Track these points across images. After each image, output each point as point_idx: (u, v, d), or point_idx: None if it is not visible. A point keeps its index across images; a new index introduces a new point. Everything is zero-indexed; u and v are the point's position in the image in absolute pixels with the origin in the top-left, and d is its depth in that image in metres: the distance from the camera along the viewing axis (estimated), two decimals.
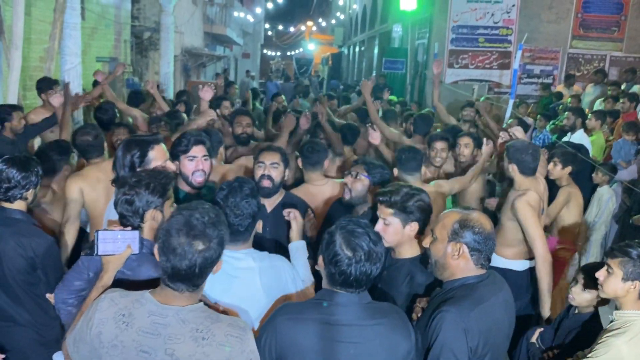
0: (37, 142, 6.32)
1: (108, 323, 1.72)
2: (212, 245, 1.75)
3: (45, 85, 5.68)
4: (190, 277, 1.74)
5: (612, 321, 2.40)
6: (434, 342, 1.93)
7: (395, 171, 3.55)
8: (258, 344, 1.90)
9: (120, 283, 2.09)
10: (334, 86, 18.50)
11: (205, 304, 1.84)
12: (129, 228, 2.11)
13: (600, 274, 2.45)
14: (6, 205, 2.69)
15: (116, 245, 2.06)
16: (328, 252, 1.91)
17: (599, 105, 8.59)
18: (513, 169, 3.56)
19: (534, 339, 3.00)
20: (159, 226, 2.24)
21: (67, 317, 2.45)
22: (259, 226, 2.36)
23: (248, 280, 2.19)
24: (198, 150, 2.94)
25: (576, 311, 2.90)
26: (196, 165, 2.93)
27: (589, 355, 2.31)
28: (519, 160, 3.52)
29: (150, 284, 1.92)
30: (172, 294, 1.76)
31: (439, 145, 4.35)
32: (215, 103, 6.64)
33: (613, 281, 2.38)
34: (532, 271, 3.69)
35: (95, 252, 2.05)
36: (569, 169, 4.31)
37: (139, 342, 1.69)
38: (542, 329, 3.03)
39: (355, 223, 1.96)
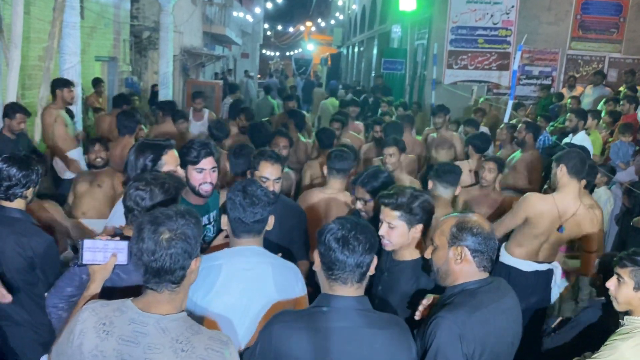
0: (36, 136, 6.33)
1: (89, 333, 1.68)
2: (179, 233, 1.71)
3: (62, 83, 5.86)
4: (164, 271, 1.69)
5: (621, 325, 2.40)
6: (429, 347, 1.92)
7: (430, 183, 3.55)
8: (253, 351, 1.89)
9: (112, 290, 2.07)
10: (333, 87, 18.49)
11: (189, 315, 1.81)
12: (117, 238, 2.08)
13: (611, 284, 2.44)
14: (5, 204, 2.68)
15: (102, 255, 2.02)
16: (321, 235, 1.91)
17: (601, 106, 8.61)
18: (562, 170, 3.51)
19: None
20: None
21: (57, 321, 2.44)
22: (271, 221, 2.36)
23: (261, 273, 2.20)
24: (207, 163, 2.90)
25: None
26: (204, 177, 2.89)
27: (594, 356, 2.32)
28: (568, 159, 3.50)
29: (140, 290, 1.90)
30: (154, 298, 1.72)
31: (389, 150, 4.40)
32: (232, 114, 6.65)
33: (625, 291, 2.39)
34: (539, 274, 3.71)
35: (80, 261, 2.01)
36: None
37: (119, 351, 1.65)
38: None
39: (352, 217, 1.99)
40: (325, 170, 3.66)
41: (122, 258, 2.04)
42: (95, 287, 2.03)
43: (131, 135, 5.06)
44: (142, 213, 2.14)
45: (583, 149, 5.28)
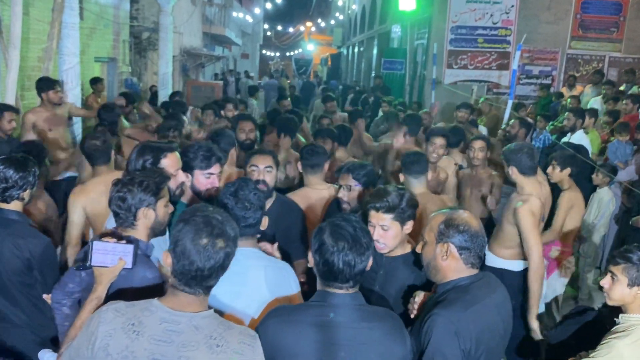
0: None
1: (116, 334, 1.66)
2: (231, 242, 1.77)
3: (46, 85, 5.69)
4: (209, 277, 1.73)
5: (617, 324, 2.41)
6: (427, 346, 1.93)
7: (401, 176, 3.54)
8: None
9: (116, 290, 2.08)
10: (333, 87, 18.52)
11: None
12: (124, 241, 2.09)
13: (605, 282, 2.45)
14: (2, 205, 2.68)
15: (108, 257, 2.03)
16: (315, 245, 1.92)
17: (591, 104, 8.61)
18: (513, 171, 3.56)
19: None
20: (153, 225, 2.24)
21: (61, 318, 2.44)
22: (265, 222, 2.36)
23: (253, 276, 2.20)
24: (216, 169, 2.93)
25: None
26: (212, 182, 2.92)
27: (591, 355, 2.33)
28: (516, 161, 3.53)
29: (143, 290, 1.90)
30: (186, 299, 1.73)
31: (438, 141, 4.35)
32: (219, 105, 6.69)
33: (619, 288, 2.40)
34: (527, 271, 3.71)
35: (89, 262, 2.02)
36: (568, 170, 4.21)
37: (151, 351, 1.65)
38: None
39: (345, 219, 1.97)
40: (299, 168, 3.67)
41: (128, 261, 2.05)
42: (102, 290, 2.04)
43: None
44: (128, 214, 2.17)
45: (581, 147, 5.30)
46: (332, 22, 34.48)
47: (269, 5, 36.22)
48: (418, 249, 2.22)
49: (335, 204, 3.29)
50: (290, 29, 42.75)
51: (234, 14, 24.64)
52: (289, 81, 22.31)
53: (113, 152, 3.61)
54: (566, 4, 11.62)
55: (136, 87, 11.63)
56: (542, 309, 3.88)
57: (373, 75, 16.71)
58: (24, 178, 2.68)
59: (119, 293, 2.05)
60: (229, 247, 1.75)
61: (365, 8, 20.96)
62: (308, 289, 2.50)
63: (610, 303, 2.46)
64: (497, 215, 4.38)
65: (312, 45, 37.00)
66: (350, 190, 3.05)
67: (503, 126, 6.59)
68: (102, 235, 2.19)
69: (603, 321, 2.60)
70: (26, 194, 2.72)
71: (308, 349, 1.83)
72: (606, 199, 5.20)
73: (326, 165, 3.66)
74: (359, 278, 1.92)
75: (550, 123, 7.73)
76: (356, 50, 23.67)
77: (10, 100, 5.88)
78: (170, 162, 2.64)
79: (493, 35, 11.61)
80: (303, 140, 6.07)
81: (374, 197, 2.51)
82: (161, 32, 10.69)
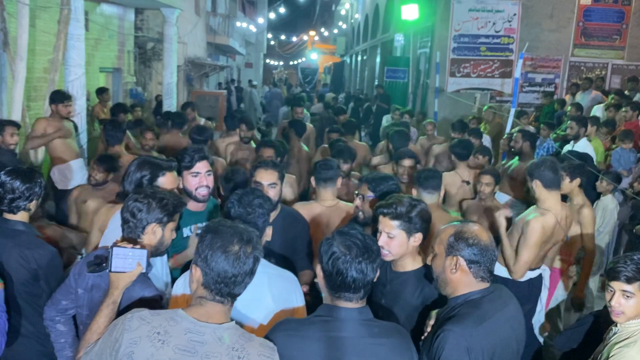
0: (40, 152, 6.37)
1: (142, 342, 1.69)
2: (258, 247, 1.82)
3: (58, 97, 5.81)
4: (241, 284, 1.78)
5: (614, 332, 2.38)
6: None
7: (414, 191, 3.52)
8: None
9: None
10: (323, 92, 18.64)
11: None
12: (138, 246, 2.12)
13: (618, 302, 2.37)
14: (9, 216, 2.70)
15: (127, 262, 2.06)
16: (326, 256, 1.91)
17: (594, 111, 8.60)
18: (537, 185, 3.50)
19: None
20: (157, 244, 2.26)
21: (56, 335, 2.45)
22: (269, 232, 2.36)
23: (257, 284, 2.18)
24: (201, 167, 2.94)
25: None
26: (200, 181, 2.94)
27: None
28: (540, 175, 3.48)
29: (140, 305, 1.93)
30: (213, 309, 1.77)
31: (407, 162, 4.36)
32: (231, 125, 6.71)
33: (635, 304, 2.34)
34: (532, 282, 3.69)
35: (109, 268, 2.05)
36: (578, 181, 4.10)
37: None
38: None
39: (351, 229, 1.99)
40: (313, 182, 3.62)
41: (144, 266, 2.10)
42: (118, 294, 2.07)
43: (120, 145, 5.10)
44: (138, 225, 2.18)
45: (587, 156, 5.29)
46: (335, 31, 34.60)
47: (272, 15, 36.40)
48: (428, 261, 2.20)
49: (354, 219, 3.22)
50: (294, 38, 42.92)
51: (238, 23, 24.75)
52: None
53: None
54: (568, 12, 11.64)
55: (141, 96, 11.70)
56: (542, 319, 3.87)
57: (376, 84, 16.76)
58: (31, 189, 2.71)
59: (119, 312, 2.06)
60: (257, 251, 1.81)
61: (368, 17, 21.04)
62: (311, 300, 2.50)
63: (621, 321, 2.38)
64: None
65: (316, 54, 37.09)
66: (364, 200, 3.02)
67: (504, 136, 6.57)
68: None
69: (602, 326, 2.57)
70: (32, 205, 2.74)
71: None
72: (611, 207, 5.18)
73: (339, 181, 3.61)
74: (368, 288, 1.91)
75: (554, 131, 7.73)
76: (359, 58, 23.74)
77: (17, 110, 5.95)
78: (167, 180, 2.67)
79: (496, 43, 11.61)
80: (306, 148, 6.10)
81: (385, 202, 2.50)
82: (165, 42, 10.76)
